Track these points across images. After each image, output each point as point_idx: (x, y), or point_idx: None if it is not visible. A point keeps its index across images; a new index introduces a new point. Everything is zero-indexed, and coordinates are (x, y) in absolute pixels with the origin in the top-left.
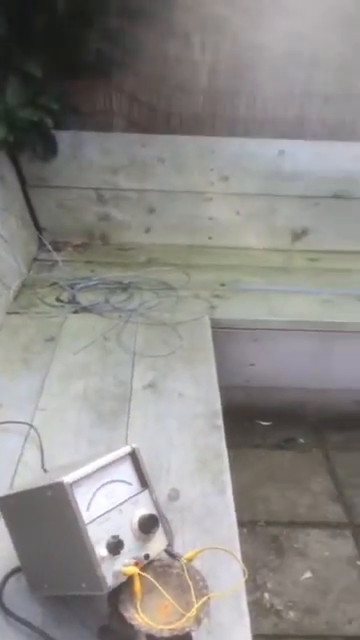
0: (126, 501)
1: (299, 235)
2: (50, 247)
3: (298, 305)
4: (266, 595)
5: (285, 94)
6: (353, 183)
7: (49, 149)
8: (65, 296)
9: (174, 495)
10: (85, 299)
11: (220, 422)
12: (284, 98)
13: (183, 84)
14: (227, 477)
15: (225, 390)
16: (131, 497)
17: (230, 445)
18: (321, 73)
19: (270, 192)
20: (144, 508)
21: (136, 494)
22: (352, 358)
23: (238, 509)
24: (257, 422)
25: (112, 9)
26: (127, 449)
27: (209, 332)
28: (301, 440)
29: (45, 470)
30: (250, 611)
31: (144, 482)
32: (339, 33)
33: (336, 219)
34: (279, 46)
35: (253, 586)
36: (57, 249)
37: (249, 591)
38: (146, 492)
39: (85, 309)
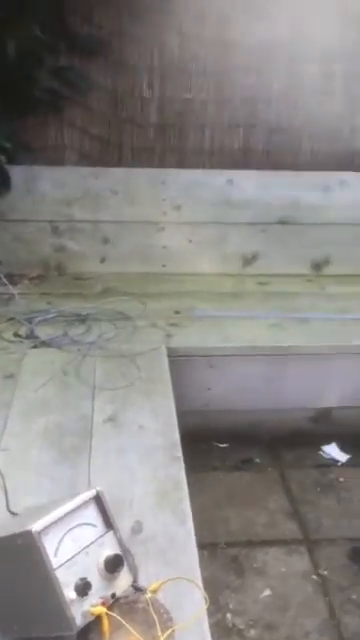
0: (92, 543)
1: (249, 260)
2: (6, 280)
3: (249, 330)
4: (228, 615)
5: (231, 126)
6: (297, 209)
7: (2, 184)
8: (23, 331)
9: (137, 528)
10: (43, 333)
11: (179, 453)
12: (230, 130)
13: (133, 117)
14: (187, 507)
15: (183, 415)
16: (97, 539)
17: (190, 469)
18: (264, 106)
19: (220, 220)
20: (109, 549)
21: (101, 536)
22: (301, 378)
23: (199, 532)
24: (215, 444)
25: (62, 47)
26: (92, 493)
27: (166, 362)
28: (257, 460)
29: (12, 513)
30: (212, 633)
31: (109, 523)
32: (280, 68)
33: (283, 244)
34: (224, 80)
35: (215, 608)
36: (13, 282)
37: (211, 613)
38: (111, 533)
39: (44, 343)
